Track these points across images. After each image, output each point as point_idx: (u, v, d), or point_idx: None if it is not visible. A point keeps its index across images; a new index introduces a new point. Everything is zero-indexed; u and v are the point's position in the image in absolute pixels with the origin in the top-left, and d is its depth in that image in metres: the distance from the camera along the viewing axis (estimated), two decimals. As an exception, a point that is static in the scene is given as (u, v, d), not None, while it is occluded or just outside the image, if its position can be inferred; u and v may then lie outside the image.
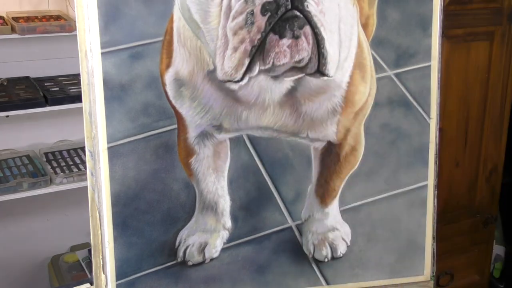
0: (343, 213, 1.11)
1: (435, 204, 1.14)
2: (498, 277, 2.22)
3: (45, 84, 2.26)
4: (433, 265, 1.16)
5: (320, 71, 0.97)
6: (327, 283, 1.12)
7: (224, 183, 1.05)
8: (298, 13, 0.93)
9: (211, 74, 0.98)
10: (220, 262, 1.07)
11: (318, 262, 1.11)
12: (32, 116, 2.22)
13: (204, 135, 1.01)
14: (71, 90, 2.21)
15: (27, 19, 2.21)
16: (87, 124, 0.97)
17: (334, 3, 0.97)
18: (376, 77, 1.06)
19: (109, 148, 0.96)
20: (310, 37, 0.94)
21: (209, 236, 1.06)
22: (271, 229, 1.08)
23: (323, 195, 1.10)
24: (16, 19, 2.19)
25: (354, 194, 1.11)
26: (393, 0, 1.05)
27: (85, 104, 0.96)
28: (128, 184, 0.98)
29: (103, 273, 1.02)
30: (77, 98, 2.02)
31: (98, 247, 1.01)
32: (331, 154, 1.08)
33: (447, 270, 1.75)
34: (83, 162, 2.25)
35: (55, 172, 2.18)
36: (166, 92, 0.98)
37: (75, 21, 1.00)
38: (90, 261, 1.83)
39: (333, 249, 1.11)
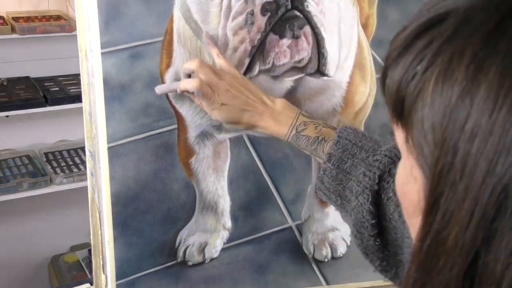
0: (343, 213, 1.11)
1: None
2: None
3: (45, 84, 2.26)
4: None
5: (320, 71, 0.97)
6: (327, 283, 1.12)
7: (224, 183, 1.05)
8: (298, 13, 0.93)
9: (211, 74, 0.98)
10: (220, 262, 1.07)
11: (318, 262, 1.11)
12: (32, 116, 2.22)
13: (204, 135, 1.01)
14: (71, 90, 2.21)
15: (27, 19, 2.22)
16: (87, 124, 0.97)
17: (334, 3, 0.97)
18: (376, 77, 1.06)
19: (109, 148, 0.96)
20: (310, 37, 0.94)
21: (209, 236, 1.06)
22: (271, 229, 1.08)
23: (323, 195, 1.10)
24: (16, 19, 2.20)
25: (354, 194, 1.11)
26: (393, 0, 1.05)
27: (85, 104, 0.96)
28: (128, 184, 0.98)
29: (103, 273, 1.02)
30: (77, 98, 2.02)
31: (98, 247, 1.01)
32: (331, 154, 1.08)
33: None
34: (83, 162, 2.25)
35: (55, 172, 2.18)
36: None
37: (75, 21, 1.00)
38: (90, 261, 1.83)
39: (333, 249, 1.11)
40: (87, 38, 0.93)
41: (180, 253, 1.05)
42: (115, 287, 1.02)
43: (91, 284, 1.07)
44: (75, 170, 2.22)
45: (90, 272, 1.98)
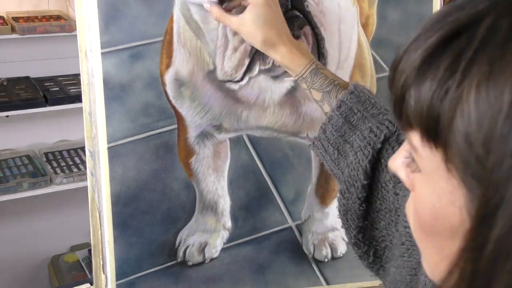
0: (343, 213, 1.11)
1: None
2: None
3: (45, 84, 2.26)
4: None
5: (320, 71, 0.97)
6: (327, 283, 1.12)
7: (224, 183, 1.05)
8: (298, 13, 0.93)
9: (211, 74, 0.98)
10: (220, 262, 1.07)
11: (318, 262, 1.11)
12: (32, 116, 2.22)
13: (204, 135, 1.01)
14: (71, 90, 2.21)
15: (27, 19, 2.21)
16: (87, 124, 0.97)
17: (334, 3, 0.97)
18: (376, 77, 1.06)
19: (109, 148, 0.96)
20: (310, 37, 0.95)
21: (209, 236, 1.06)
22: (271, 229, 1.08)
23: (323, 195, 1.10)
24: (16, 19, 2.19)
25: (354, 194, 1.11)
26: (393, 0, 1.05)
27: (85, 104, 0.96)
28: (128, 184, 0.98)
29: (103, 273, 1.02)
30: (77, 98, 2.02)
31: (98, 247, 1.01)
32: (331, 154, 1.08)
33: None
34: (83, 162, 2.25)
35: (55, 172, 2.18)
36: (166, 92, 0.98)
37: (75, 21, 1.00)
38: (90, 261, 1.83)
39: (333, 249, 1.11)
40: (87, 38, 0.93)
41: (180, 253, 1.05)
42: (115, 287, 1.02)
43: (91, 284, 1.07)
44: (75, 170, 2.22)
45: (90, 272, 1.98)
